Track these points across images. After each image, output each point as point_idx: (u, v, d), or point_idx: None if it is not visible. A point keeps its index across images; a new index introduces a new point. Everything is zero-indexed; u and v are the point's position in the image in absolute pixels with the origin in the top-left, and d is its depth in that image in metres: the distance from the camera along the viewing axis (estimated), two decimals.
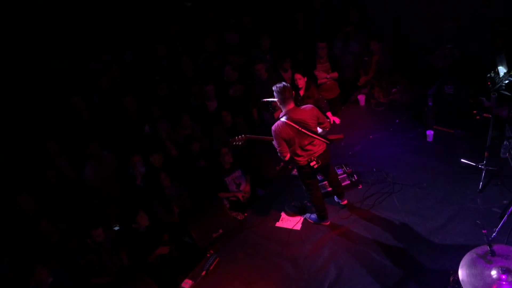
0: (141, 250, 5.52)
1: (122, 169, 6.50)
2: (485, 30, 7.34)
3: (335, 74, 7.78)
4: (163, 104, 7.27)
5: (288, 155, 5.10)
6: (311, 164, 5.19)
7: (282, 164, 6.59)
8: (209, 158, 6.59)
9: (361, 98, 7.80)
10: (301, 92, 7.01)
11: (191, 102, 7.47)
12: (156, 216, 5.84)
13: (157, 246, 5.60)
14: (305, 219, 5.85)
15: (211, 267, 5.35)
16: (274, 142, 5.10)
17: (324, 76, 7.74)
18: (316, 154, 5.20)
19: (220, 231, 5.77)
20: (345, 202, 5.89)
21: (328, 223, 5.68)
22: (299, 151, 5.11)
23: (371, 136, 7.04)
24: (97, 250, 5.22)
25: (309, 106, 5.19)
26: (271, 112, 6.62)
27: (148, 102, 7.29)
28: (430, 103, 6.70)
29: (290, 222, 5.89)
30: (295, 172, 6.50)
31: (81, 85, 7.66)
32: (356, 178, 6.18)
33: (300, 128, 4.98)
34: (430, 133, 6.65)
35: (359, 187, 6.14)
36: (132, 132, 6.88)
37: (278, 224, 5.91)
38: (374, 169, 6.36)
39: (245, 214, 6.19)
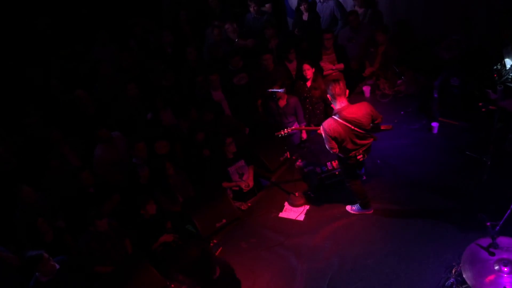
0: (145, 237, 5.55)
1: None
2: (493, 22, 7.28)
3: (341, 65, 7.76)
4: (167, 94, 7.26)
5: (337, 150, 5.03)
6: (358, 157, 5.16)
7: (286, 154, 6.60)
8: (213, 148, 6.59)
9: (366, 89, 7.77)
10: (308, 83, 7.01)
11: (196, 91, 7.46)
12: (160, 205, 5.86)
13: (161, 234, 5.63)
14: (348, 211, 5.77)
15: None
16: (323, 137, 5.04)
17: (330, 67, 7.72)
18: (364, 148, 5.17)
19: (224, 220, 5.79)
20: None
21: (372, 211, 5.59)
22: (349, 146, 5.04)
23: None
24: (100, 238, 5.24)
25: (363, 104, 5.06)
26: (276, 101, 6.63)
27: (152, 91, 7.28)
28: (435, 95, 6.68)
29: (293, 212, 5.90)
30: (299, 163, 6.52)
31: (85, 74, 7.67)
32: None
33: (353, 127, 4.91)
34: (435, 125, 6.64)
35: (363, 179, 6.13)
36: (135, 120, 6.87)
37: (281, 214, 5.92)
38: (378, 161, 6.36)
39: (249, 204, 6.20)
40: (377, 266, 4.93)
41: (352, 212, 5.70)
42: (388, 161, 6.31)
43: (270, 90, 6.32)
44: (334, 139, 4.92)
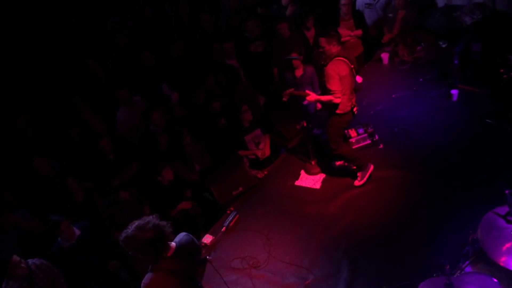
0: (164, 204, 5.64)
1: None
2: None
3: (359, 32, 7.59)
4: (176, 64, 7.21)
5: (340, 96, 5.05)
6: (354, 109, 5.26)
7: (302, 123, 6.57)
8: (230, 117, 6.59)
9: (385, 56, 7.64)
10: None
11: (212, 59, 7.41)
12: (178, 173, 5.93)
13: (179, 201, 5.71)
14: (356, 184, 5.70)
15: (231, 224, 5.45)
16: (328, 85, 5.07)
17: (348, 33, 7.55)
18: (354, 100, 5.28)
19: (240, 188, 5.85)
20: (355, 166, 5.78)
21: (372, 167, 5.56)
22: (349, 94, 5.11)
23: (393, 95, 6.93)
24: (120, 204, 5.34)
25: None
26: (292, 71, 6.55)
27: (165, 61, 7.25)
28: (456, 61, 6.53)
29: (309, 180, 5.92)
30: (316, 130, 6.50)
31: (101, 44, 7.65)
32: (377, 137, 6.14)
33: (352, 67, 5.07)
34: (454, 92, 6.52)
35: (380, 147, 6.11)
36: (150, 90, 6.88)
37: (297, 182, 5.94)
38: (396, 129, 6.30)
39: (265, 172, 6.23)
40: (393, 235, 4.95)
41: (360, 183, 5.61)
42: (405, 129, 6.25)
43: (287, 57, 6.24)
44: (340, 79, 4.98)
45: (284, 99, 5.52)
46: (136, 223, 3.22)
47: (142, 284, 3.25)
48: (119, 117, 6.44)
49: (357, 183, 5.65)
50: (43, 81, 6.63)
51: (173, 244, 3.37)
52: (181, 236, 3.52)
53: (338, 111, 5.16)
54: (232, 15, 8.04)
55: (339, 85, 4.99)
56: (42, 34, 7.54)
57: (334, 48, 5.03)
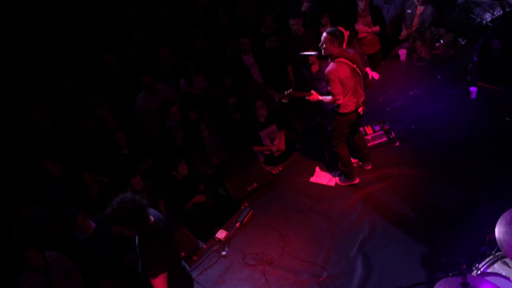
0: (178, 198, 5.67)
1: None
2: None
3: (377, 28, 7.50)
4: (200, 58, 7.23)
5: (341, 98, 5.01)
6: (359, 110, 5.17)
7: (317, 119, 6.53)
8: (245, 112, 6.59)
9: (402, 52, 7.55)
10: (343, 46, 6.83)
11: (228, 55, 7.41)
12: (193, 167, 5.95)
13: (193, 195, 5.74)
14: (336, 183, 5.77)
15: (245, 219, 5.45)
16: (328, 87, 5.01)
17: (366, 30, 7.48)
18: (361, 100, 5.18)
19: (255, 184, 5.84)
20: (369, 167, 5.79)
21: (357, 180, 5.60)
22: (351, 94, 5.03)
23: (411, 93, 6.85)
24: None
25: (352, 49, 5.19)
26: (309, 66, 6.52)
27: (184, 56, 7.27)
28: (475, 58, 6.43)
29: (324, 177, 5.89)
30: (331, 128, 6.45)
31: (118, 37, 7.70)
32: (393, 135, 6.08)
33: (354, 66, 4.96)
34: (473, 89, 6.42)
35: (396, 144, 6.05)
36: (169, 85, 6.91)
37: (312, 179, 5.92)
38: (413, 126, 6.23)
39: (280, 169, 6.22)
40: (409, 233, 4.90)
41: (339, 183, 5.70)
42: (423, 127, 6.18)
43: (302, 53, 6.21)
44: (341, 82, 4.90)
45: (283, 100, 5.49)
46: (113, 201, 3.39)
47: (148, 266, 3.43)
48: (138, 101, 6.49)
49: (337, 179, 5.75)
50: (61, 75, 6.71)
51: (151, 217, 3.56)
52: (151, 210, 3.66)
53: (340, 111, 5.14)
54: (249, 10, 8.02)
55: (340, 88, 4.94)
56: (60, 28, 7.62)
57: (335, 50, 4.92)
